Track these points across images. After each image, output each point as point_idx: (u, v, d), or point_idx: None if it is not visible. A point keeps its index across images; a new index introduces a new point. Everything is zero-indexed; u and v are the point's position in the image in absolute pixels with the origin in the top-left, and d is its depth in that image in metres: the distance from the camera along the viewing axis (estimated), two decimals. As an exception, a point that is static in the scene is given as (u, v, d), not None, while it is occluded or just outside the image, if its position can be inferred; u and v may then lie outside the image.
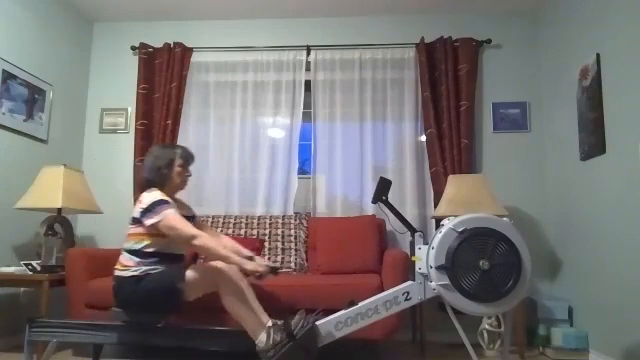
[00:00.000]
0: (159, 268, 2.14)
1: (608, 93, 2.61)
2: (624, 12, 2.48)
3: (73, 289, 2.61)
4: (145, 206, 2.13)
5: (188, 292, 2.07)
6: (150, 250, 2.16)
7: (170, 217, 2.08)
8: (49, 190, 2.86)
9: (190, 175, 2.38)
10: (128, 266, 2.14)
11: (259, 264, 2.11)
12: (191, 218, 2.36)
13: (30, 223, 3.11)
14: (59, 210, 2.97)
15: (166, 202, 2.14)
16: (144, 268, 2.12)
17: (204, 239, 2.05)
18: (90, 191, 3.16)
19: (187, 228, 2.07)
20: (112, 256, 2.93)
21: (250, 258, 2.20)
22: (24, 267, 2.67)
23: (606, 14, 2.64)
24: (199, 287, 2.07)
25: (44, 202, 2.84)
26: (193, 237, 2.04)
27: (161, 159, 2.27)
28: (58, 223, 3.00)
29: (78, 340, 2.15)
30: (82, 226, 3.64)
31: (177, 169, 2.29)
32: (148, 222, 2.10)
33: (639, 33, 2.35)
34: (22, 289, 3.03)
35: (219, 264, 2.06)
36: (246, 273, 2.09)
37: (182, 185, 2.35)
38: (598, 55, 2.69)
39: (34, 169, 3.07)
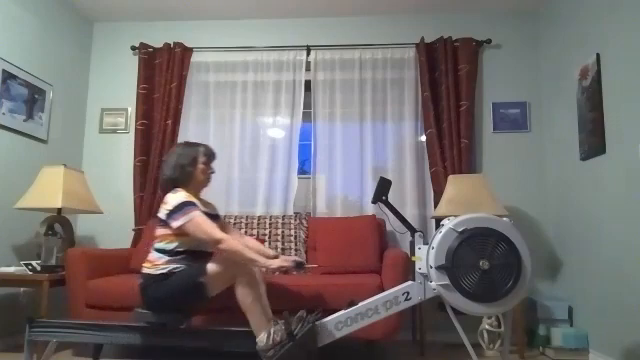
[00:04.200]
0: (184, 266, 2.15)
1: (608, 93, 2.61)
2: (624, 12, 2.48)
3: (73, 289, 2.61)
4: (171, 208, 2.12)
5: (211, 286, 2.06)
6: (181, 249, 2.17)
7: (196, 219, 2.08)
8: (49, 190, 2.87)
9: (213, 172, 2.38)
10: (157, 265, 2.14)
11: (285, 259, 2.12)
12: (215, 217, 2.36)
13: (30, 223, 3.11)
14: (59, 210, 2.97)
15: (192, 204, 2.13)
16: (172, 266, 2.12)
17: (229, 242, 2.04)
18: (90, 191, 3.16)
19: (213, 231, 2.06)
20: (112, 256, 2.96)
21: (275, 257, 2.19)
22: (24, 267, 2.68)
23: (606, 14, 2.64)
24: (220, 280, 2.06)
25: (44, 202, 2.84)
26: (218, 241, 2.04)
27: (184, 157, 2.26)
28: (58, 223, 3.00)
29: (78, 340, 2.15)
30: (82, 226, 3.64)
31: (201, 166, 2.29)
32: (174, 224, 2.10)
33: (639, 33, 2.35)
34: (22, 289, 3.03)
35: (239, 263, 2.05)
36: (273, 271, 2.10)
37: (206, 182, 2.35)
38: (598, 55, 2.69)
39: (34, 169, 3.07)
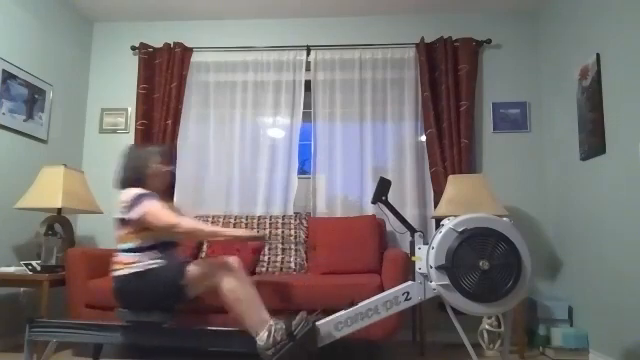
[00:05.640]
0: (160, 262, 2.13)
1: (608, 93, 2.61)
2: (624, 12, 2.48)
3: (73, 289, 2.61)
4: (125, 204, 2.12)
5: (190, 288, 2.05)
6: (147, 245, 2.14)
7: (151, 209, 2.07)
8: (49, 190, 2.86)
9: (170, 170, 2.36)
10: (128, 263, 2.12)
11: (253, 232, 2.11)
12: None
13: (30, 223, 3.11)
14: (59, 210, 2.97)
15: (146, 195, 2.13)
16: (146, 262, 2.11)
17: (183, 224, 2.04)
18: (90, 191, 3.16)
19: (168, 218, 2.05)
20: (112, 256, 2.95)
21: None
22: (24, 267, 2.67)
23: (606, 14, 2.64)
24: (201, 282, 2.05)
25: (44, 202, 2.84)
26: (173, 226, 2.03)
27: (139, 159, 2.26)
28: (58, 223, 3.00)
29: (78, 340, 2.15)
30: (82, 226, 3.64)
31: (155, 167, 2.28)
32: (133, 217, 2.08)
33: (639, 33, 2.35)
34: (22, 289, 3.03)
35: (224, 257, 2.06)
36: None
37: (164, 182, 2.33)
38: (598, 55, 2.69)
39: (34, 169, 3.07)
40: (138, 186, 2.22)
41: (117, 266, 2.17)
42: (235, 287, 2.00)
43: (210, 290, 2.06)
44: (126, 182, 2.25)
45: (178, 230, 2.04)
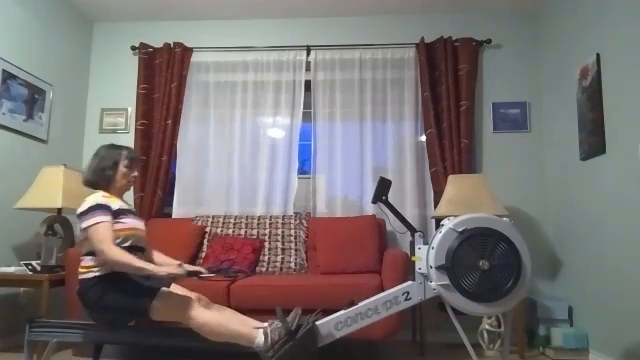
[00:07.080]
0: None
1: (608, 93, 2.61)
2: (624, 12, 2.48)
3: (73, 289, 2.60)
4: (82, 209, 2.08)
5: (154, 313, 2.01)
6: None
7: (97, 225, 2.03)
8: (49, 190, 2.86)
9: (136, 176, 2.33)
10: (89, 267, 2.08)
11: (176, 267, 2.06)
12: (132, 213, 2.30)
13: (30, 223, 3.11)
14: (59, 210, 2.97)
15: (102, 207, 2.08)
16: (105, 267, 2.06)
17: (111, 253, 1.98)
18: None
19: (102, 240, 2.00)
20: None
21: (179, 265, 2.13)
22: (24, 267, 2.68)
23: (606, 14, 2.64)
24: (166, 315, 2.01)
25: (44, 202, 2.84)
26: (102, 250, 1.99)
27: (107, 160, 2.23)
28: (58, 223, 3.00)
29: (78, 340, 2.15)
30: (82, 226, 3.64)
31: (123, 170, 2.25)
32: (82, 225, 2.06)
33: (639, 33, 2.35)
34: (22, 289, 3.03)
35: (189, 300, 1.98)
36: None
37: (127, 186, 2.30)
38: (598, 55, 2.69)
39: (34, 169, 3.07)
40: (102, 188, 2.20)
41: (80, 269, 2.12)
42: (204, 321, 1.95)
43: (177, 322, 2.00)
44: (89, 183, 2.23)
45: (103, 257, 1.99)
